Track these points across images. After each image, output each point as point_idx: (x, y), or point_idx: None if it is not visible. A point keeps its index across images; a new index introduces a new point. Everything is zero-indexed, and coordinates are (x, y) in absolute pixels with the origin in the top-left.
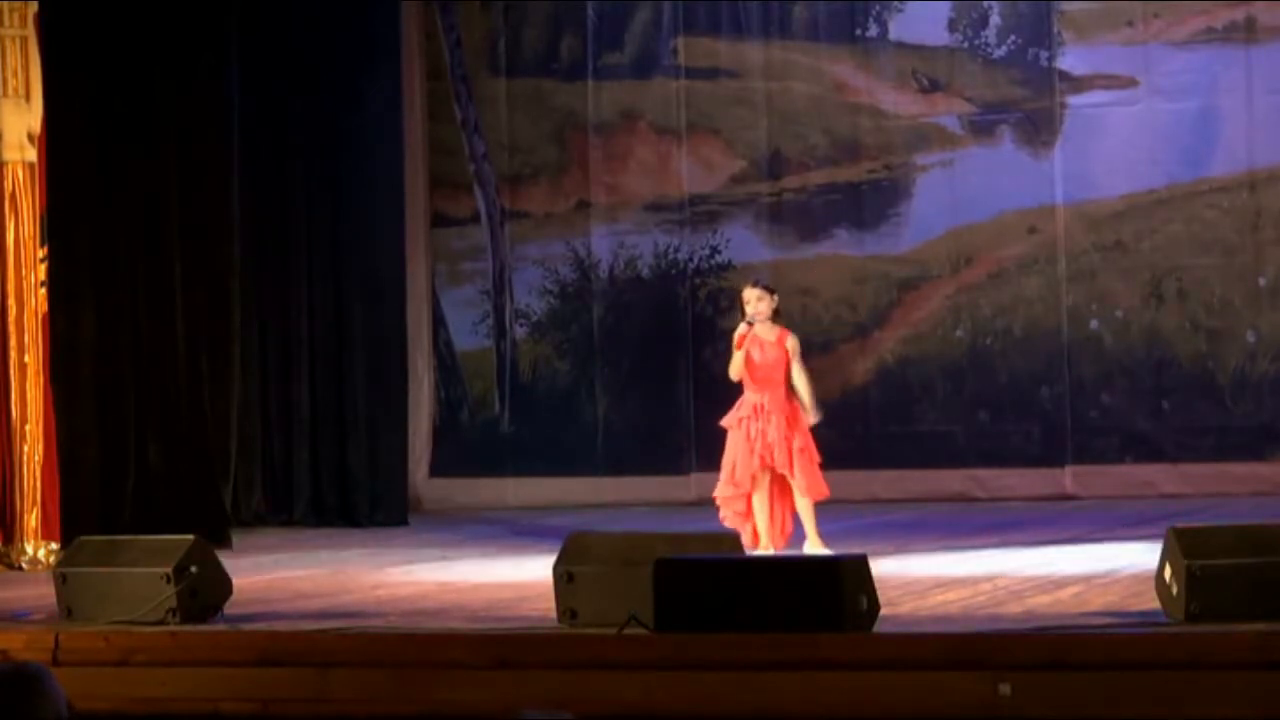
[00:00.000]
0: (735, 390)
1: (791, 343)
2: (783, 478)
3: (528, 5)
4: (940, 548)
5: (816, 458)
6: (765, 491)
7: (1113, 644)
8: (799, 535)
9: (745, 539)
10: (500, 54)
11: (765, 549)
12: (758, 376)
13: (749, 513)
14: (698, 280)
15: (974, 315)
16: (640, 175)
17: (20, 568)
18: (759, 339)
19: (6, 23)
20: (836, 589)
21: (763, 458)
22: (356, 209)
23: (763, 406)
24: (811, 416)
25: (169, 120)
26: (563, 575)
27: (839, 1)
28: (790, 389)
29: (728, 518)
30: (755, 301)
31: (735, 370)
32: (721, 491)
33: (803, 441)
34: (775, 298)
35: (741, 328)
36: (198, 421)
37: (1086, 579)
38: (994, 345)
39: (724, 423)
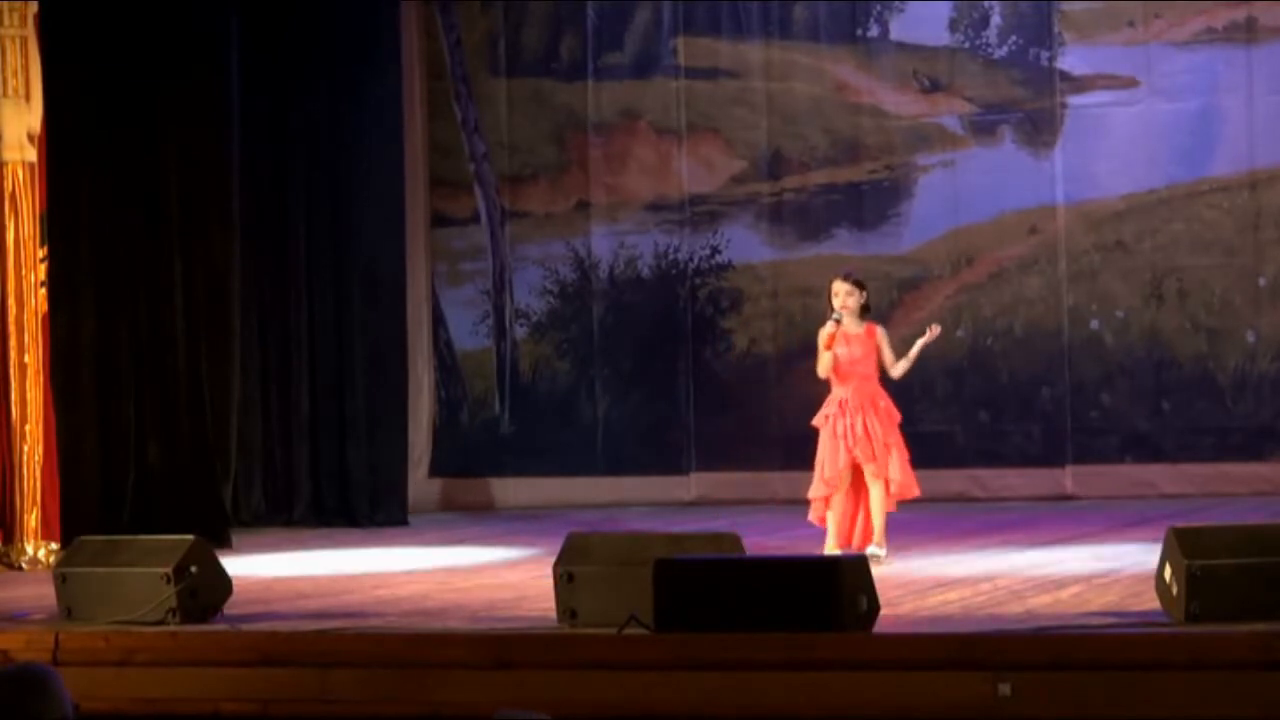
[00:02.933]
0: (735, 390)
1: (881, 332)
2: (861, 476)
3: (528, 5)
4: (940, 548)
5: (906, 453)
6: (844, 490)
7: (1113, 644)
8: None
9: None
10: (500, 54)
11: (832, 549)
12: (843, 372)
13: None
14: (698, 280)
15: (974, 315)
16: (640, 175)
17: (20, 568)
18: (845, 334)
19: (6, 23)
20: (836, 589)
21: (850, 453)
22: (356, 208)
23: (847, 401)
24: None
25: (169, 120)
26: (563, 575)
27: (839, 1)
28: (883, 380)
29: (822, 519)
30: (845, 296)
31: (824, 369)
32: (814, 491)
33: (894, 437)
34: (865, 293)
35: (830, 326)
36: (198, 421)
37: (1086, 579)
38: (994, 345)
39: (814, 422)
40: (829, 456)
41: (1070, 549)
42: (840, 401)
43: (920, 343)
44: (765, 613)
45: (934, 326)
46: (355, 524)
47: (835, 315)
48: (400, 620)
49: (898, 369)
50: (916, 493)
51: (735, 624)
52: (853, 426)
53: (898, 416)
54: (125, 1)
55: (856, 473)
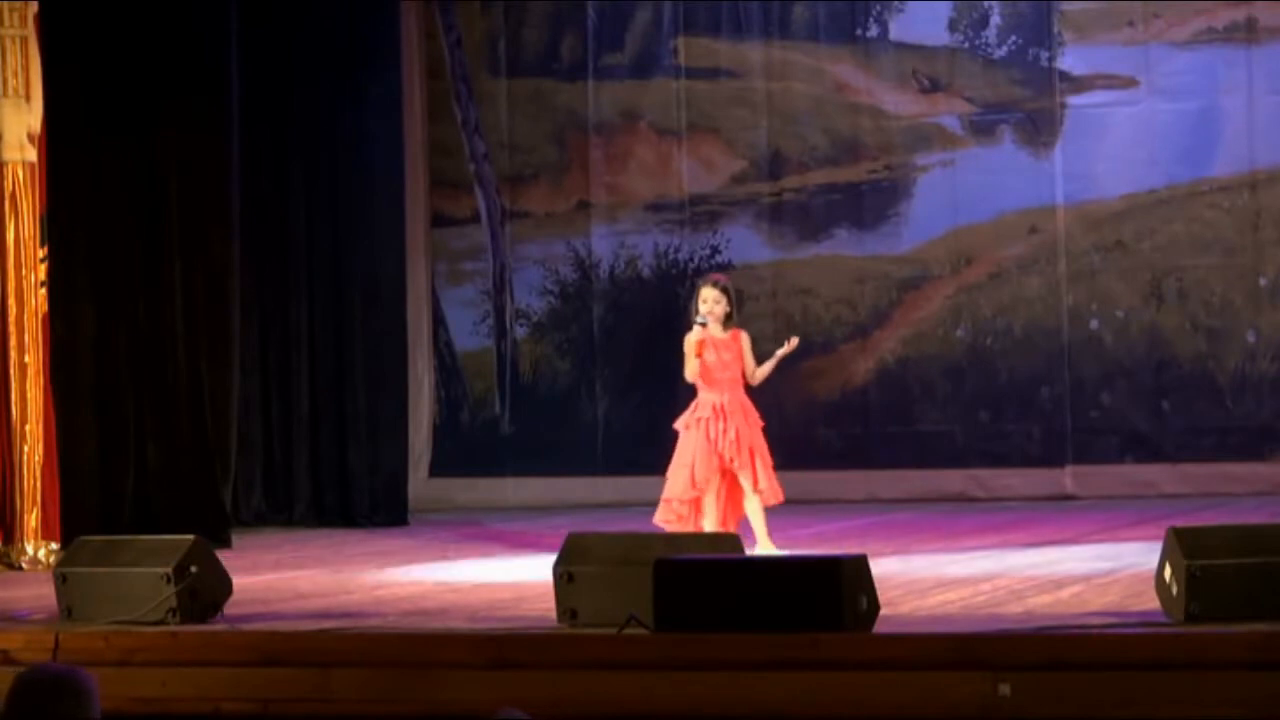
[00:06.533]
0: None
1: (745, 338)
2: (732, 481)
3: (528, 5)
4: (940, 548)
5: (770, 460)
6: (714, 493)
7: (1113, 644)
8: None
9: None
10: (500, 54)
11: None
12: (714, 378)
13: (695, 516)
14: (698, 280)
15: (974, 315)
16: (640, 175)
17: (20, 568)
18: (713, 340)
19: (6, 23)
20: (836, 589)
21: (722, 457)
22: (356, 209)
23: (722, 407)
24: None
25: (169, 120)
26: (563, 575)
27: (839, 1)
28: (748, 387)
29: (669, 521)
30: (713, 303)
31: (692, 374)
32: (678, 492)
33: (760, 443)
34: (730, 301)
35: (698, 332)
36: (198, 421)
37: (1086, 579)
38: (994, 345)
39: (678, 424)
40: (701, 459)
41: (1070, 549)
42: (715, 406)
43: (779, 353)
44: (765, 613)
45: (792, 339)
46: (355, 524)
47: (700, 320)
48: (400, 620)
49: (758, 376)
50: (781, 499)
51: (735, 624)
52: (726, 431)
53: (761, 422)
54: (125, 2)
55: (721, 477)
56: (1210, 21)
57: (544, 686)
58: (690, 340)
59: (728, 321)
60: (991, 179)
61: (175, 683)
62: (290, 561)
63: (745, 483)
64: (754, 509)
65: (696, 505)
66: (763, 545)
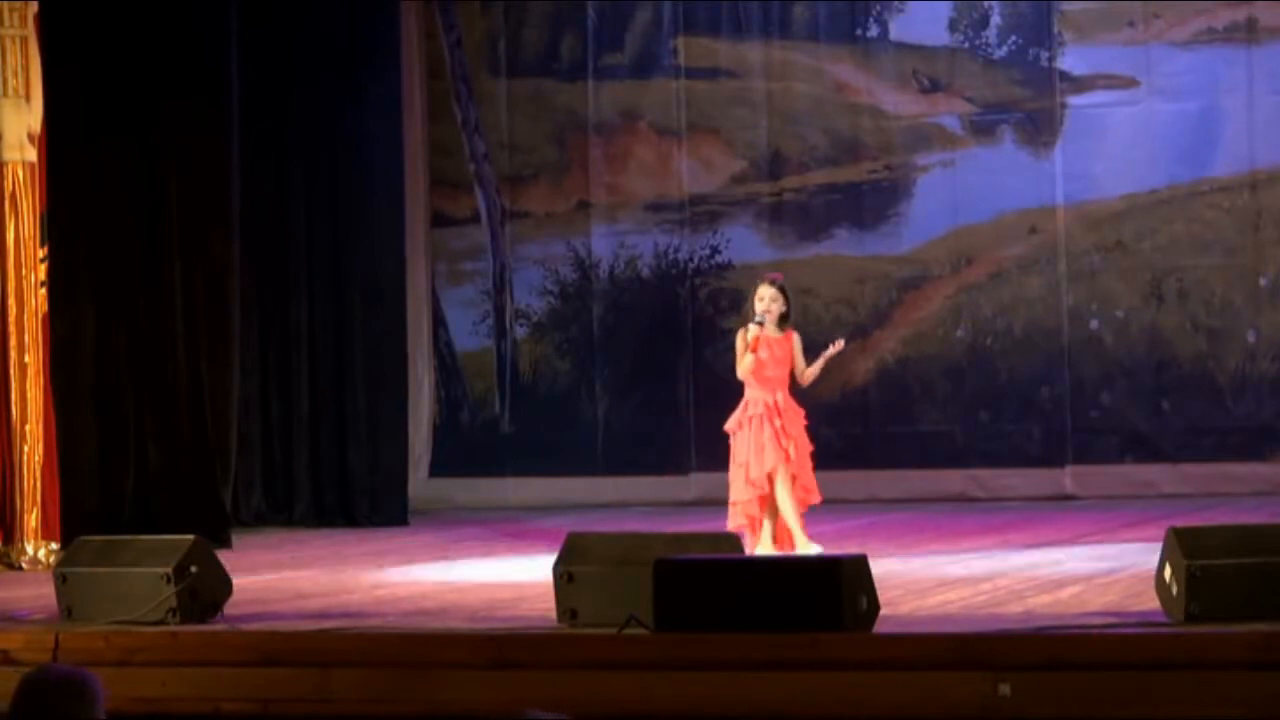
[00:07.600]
0: (736, 390)
1: (797, 338)
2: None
3: (528, 5)
4: (940, 548)
5: (809, 462)
6: (767, 492)
7: (1113, 644)
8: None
9: (750, 543)
10: (500, 54)
11: (767, 548)
12: (766, 376)
13: (762, 512)
14: (698, 280)
15: (974, 315)
16: (640, 175)
17: (20, 568)
18: (767, 339)
19: (6, 23)
20: (836, 589)
21: (787, 453)
22: (356, 209)
23: (775, 405)
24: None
25: (169, 120)
26: (563, 575)
27: (839, 1)
28: (792, 388)
29: (741, 525)
30: (769, 301)
31: (744, 371)
32: (741, 494)
33: (807, 443)
34: (788, 301)
35: (753, 329)
36: (198, 421)
37: (1086, 579)
38: (994, 345)
39: (728, 426)
40: (755, 457)
41: (1070, 549)
42: (767, 404)
43: (825, 355)
44: (765, 613)
45: (839, 341)
46: (355, 524)
47: (758, 319)
48: (400, 620)
49: (808, 376)
50: (819, 499)
51: (735, 624)
52: (785, 429)
53: (805, 420)
54: (125, 2)
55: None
56: (1210, 21)
57: (544, 686)
58: (744, 337)
59: (783, 321)
60: (991, 179)
61: (175, 683)
62: (290, 561)
63: (786, 476)
64: (793, 508)
65: (762, 502)
66: (765, 546)
